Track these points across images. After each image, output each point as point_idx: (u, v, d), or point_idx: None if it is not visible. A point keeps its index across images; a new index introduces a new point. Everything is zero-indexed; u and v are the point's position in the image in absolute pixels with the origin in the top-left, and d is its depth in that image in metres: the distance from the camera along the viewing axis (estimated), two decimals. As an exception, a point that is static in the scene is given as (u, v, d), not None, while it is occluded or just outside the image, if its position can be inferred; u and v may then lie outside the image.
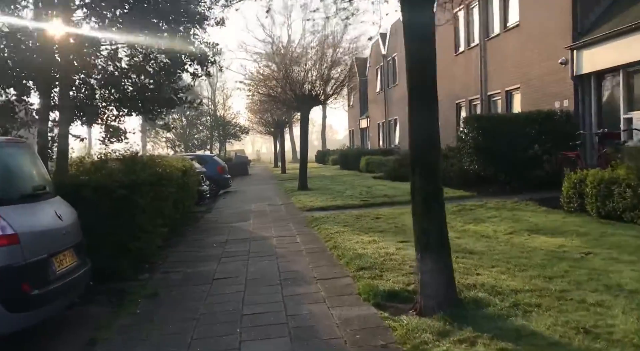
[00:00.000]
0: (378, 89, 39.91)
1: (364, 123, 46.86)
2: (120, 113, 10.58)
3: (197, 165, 21.22)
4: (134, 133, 11.10)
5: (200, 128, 46.82)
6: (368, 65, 43.89)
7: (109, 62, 9.25)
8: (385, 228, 10.18)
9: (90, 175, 7.52)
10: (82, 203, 7.05)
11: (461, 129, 16.69)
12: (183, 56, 9.42)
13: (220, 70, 9.96)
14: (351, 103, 52.71)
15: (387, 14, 20.79)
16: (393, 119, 36.39)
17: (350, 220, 11.66)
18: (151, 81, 9.58)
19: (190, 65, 9.66)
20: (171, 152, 45.40)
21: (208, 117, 47.97)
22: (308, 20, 22.16)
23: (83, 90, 9.95)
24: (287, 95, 21.25)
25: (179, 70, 9.52)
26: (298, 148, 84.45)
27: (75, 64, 8.65)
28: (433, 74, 5.28)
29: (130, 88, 9.80)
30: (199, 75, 9.76)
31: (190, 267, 8.03)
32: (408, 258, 7.24)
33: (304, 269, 7.36)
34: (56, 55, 8.77)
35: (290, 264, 7.75)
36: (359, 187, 19.88)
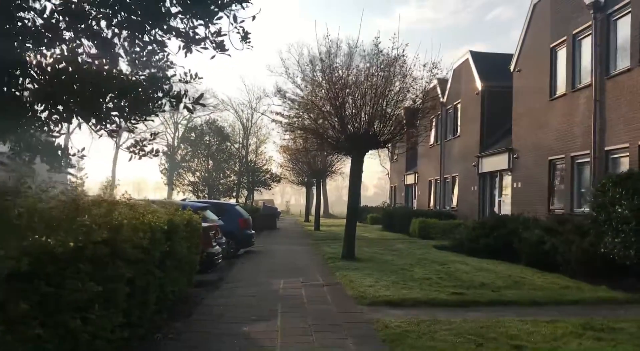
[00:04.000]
0: (432, 141, 34.68)
1: (410, 180, 41.50)
2: (54, 116, 5.54)
3: (212, 216, 16.18)
4: (81, 156, 5.98)
5: (228, 172, 42.08)
6: (419, 114, 38.94)
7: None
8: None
9: None
10: None
11: (601, 194, 11.17)
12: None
13: (245, 39, 4.81)
14: (395, 157, 47.53)
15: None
16: (450, 177, 30.95)
17: (465, 349, 6.19)
18: (94, 42, 4.54)
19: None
20: (193, 197, 40.67)
21: (237, 161, 43.31)
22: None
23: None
24: (336, 133, 16.16)
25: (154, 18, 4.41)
26: (330, 203, 79.51)
27: None
28: None
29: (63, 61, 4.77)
30: (200, 40, 4.64)
31: None
32: None
33: None
34: None
35: None
36: (429, 263, 14.38)
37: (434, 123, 34.38)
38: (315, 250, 19.42)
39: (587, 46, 17.17)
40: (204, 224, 11.19)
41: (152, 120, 5.85)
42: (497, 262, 14.67)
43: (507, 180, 23.49)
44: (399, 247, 20.04)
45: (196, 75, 5.77)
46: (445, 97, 32.03)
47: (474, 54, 28.19)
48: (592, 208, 11.47)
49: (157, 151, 6.10)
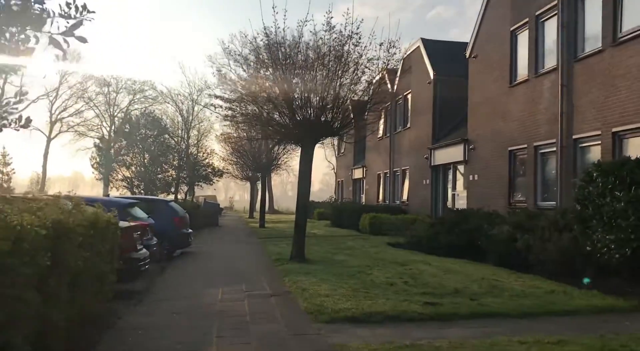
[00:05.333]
0: (381, 134, 33.25)
1: (357, 174, 40.11)
2: None
3: (140, 213, 14.11)
4: None
5: (166, 167, 39.36)
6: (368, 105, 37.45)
7: None
8: None
9: None
10: None
11: (586, 184, 9.84)
12: None
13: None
14: (342, 150, 46.15)
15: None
16: (400, 170, 29.64)
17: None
18: None
19: None
20: (128, 193, 37.85)
21: (176, 155, 40.62)
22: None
23: None
24: (284, 120, 14.37)
25: None
26: (275, 198, 77.21)
27: None
28: None
29: None
30: None
31: None
32: None
33: None
34: None
35: None
36: (388, 264, 12.83)
37: (382, 115, 33.04)
38: (261, 250, 17.57)
39: (551, 28, 16.02)
40: (123, 224, 9.17)
41: (15, 73, 3.91)
42: (462, 262, 13.29)
43: (463, 172, 22.32)
44: (351, 244, 18.47)
45: (84, 7, 3.87)
46: (395, 87, 30.67)
47: (426, 42, 26.92)
48: (577, 201, 10.13)
49: (29, 120, 4.15)
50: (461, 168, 22.49)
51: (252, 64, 14.34)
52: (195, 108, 53.68)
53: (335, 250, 16.55)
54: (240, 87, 14.64)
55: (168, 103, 55.99)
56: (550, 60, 16.10)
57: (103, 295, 7.50)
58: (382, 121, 32.57)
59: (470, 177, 20.97)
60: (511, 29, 18.23)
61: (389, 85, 31.20)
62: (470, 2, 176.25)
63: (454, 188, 23.42)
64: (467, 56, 21.60)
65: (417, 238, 17.22)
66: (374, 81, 15.69)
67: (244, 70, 14.43)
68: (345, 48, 13.82)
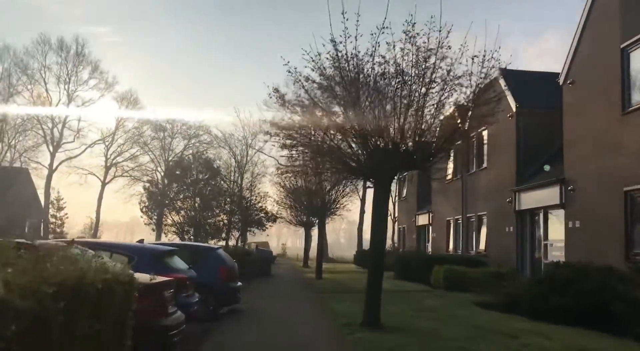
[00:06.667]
0: (450, 175, 30.11)
1: (422, 220, 36.82)
2: None
3: (179, 264, 11.61)
4: None
5: (217, 211, 37.30)
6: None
7: None
8: None
9: None
10: None
11: None
12: None
13: None
14: (404, 194, 43.14)
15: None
16: (475, 216, 26.30)
17: None
18: None
19: None
20: (177, 239, 35.85)
21: (227, 199, 38.53)
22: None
23: None
24: (354, 150, 11.74)
25: None
26: (330, 245, 73.90)
27: None
28: None
29: None
30: None
31: None
32: None
33: None
34: None
35: None
36: (491, 335, 9.74)
37: (452, 155, 30.00)
38: (322, 310, 14.66)
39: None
40: (144, 280, 6.56)
41: None
42: (590, 334, 10.08)
43: (558, 218, 18.94)
44: (430, 304, 15.33)
45: None
46: (467, 124, 27.68)
47: (504, 72, 23.99)
48: None
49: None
50: (556, 213, 19.13)
51: (315, 82, 11.88)
52: (250, 152, 52.27)
53: (413, 311, 13.52)
54: (301, 112, 12.17)
55: (223, 148, 54.89)
56: (683, 78, 13.01)
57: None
58: (451, 161, 29.46)
59: (570, 224, 17.57)
60: (622, 46, 15.21)
61: (459, 122, 28.24)
62: (528, 44, 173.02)
63: (546, 237, 19.98)
64: (561, 83, 18.58)
65: (512, 298, 13.99)
66: (472, 93, 12.79)
67: (306, 91, 11.98)
68: (431, 60, 11.19)
